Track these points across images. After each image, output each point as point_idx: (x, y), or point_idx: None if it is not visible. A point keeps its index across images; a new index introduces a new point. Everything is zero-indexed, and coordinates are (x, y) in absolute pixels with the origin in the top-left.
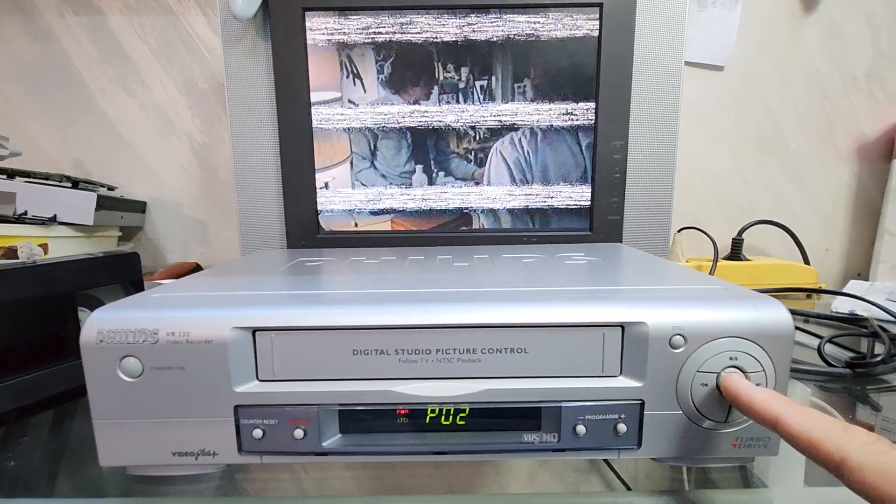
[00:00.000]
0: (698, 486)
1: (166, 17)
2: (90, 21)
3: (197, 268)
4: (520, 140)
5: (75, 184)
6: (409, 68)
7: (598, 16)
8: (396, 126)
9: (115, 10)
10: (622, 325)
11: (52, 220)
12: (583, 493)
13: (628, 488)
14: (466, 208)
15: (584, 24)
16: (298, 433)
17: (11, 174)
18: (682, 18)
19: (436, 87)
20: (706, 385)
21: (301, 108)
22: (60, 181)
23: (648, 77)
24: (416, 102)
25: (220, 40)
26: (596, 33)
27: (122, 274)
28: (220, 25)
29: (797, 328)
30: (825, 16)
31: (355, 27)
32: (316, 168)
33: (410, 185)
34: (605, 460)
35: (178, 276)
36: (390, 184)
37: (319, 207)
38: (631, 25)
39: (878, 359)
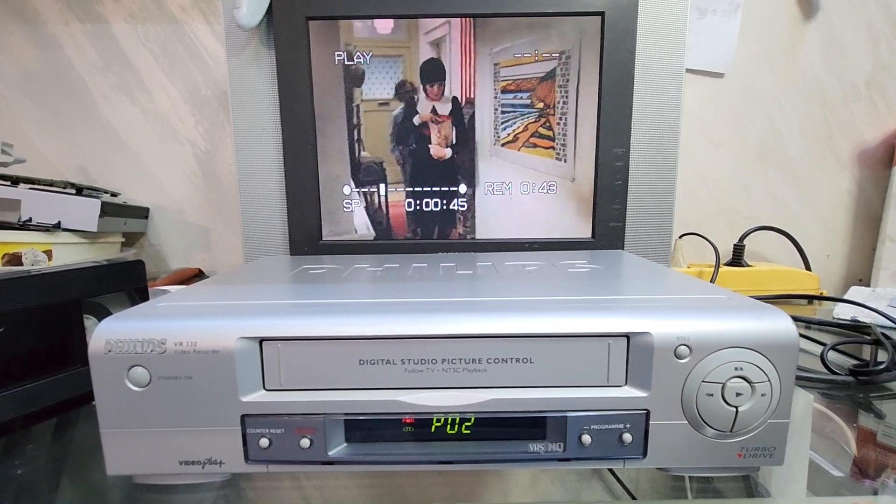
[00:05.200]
0: (701, 494)
1: (170, 25)
2: (94, 29)
3: (199, 273)
4: None
5: (79, 190)
6: None
7: (599, 27)
8: None
9: (119, 18)
10: (627, 336)
11: (57, 227)
12: (585, 501)
13: (632, 497)
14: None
15: None
16: (305, 442)
17: (16, 181)
18: (683, 26)
19: None
20: (711, 395)
21: (304, 116)
22: (65, 188)
23: (650, 84)
24: None
25: (224, 49)
26: None
27: (128, 282)
28: (224, 34)
29: (799, 335)
30: (825, 24)
31: None
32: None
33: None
34: (609, 469)
35: (180, 282)
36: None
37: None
38: (632, 33)
39: (882, 366)
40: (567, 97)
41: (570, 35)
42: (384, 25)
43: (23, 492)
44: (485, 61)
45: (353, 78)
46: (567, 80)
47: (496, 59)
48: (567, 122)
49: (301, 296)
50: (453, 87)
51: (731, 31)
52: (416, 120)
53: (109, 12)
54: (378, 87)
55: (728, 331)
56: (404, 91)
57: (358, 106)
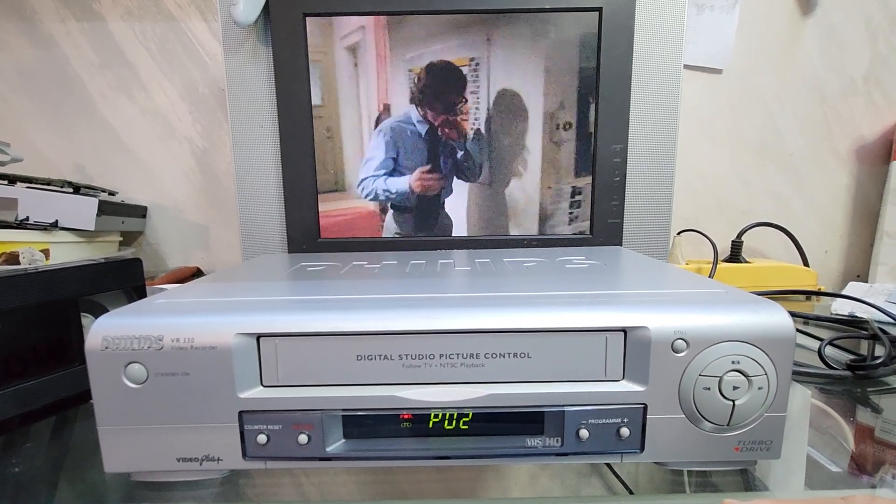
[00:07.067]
0: (699, 489)
1: (167, 23)
2: (91, 27)
3: (198, 272)
4: None
5: (77, 189)
6: None
7: (597, 21)
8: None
9: (116, 16)
10: (625, 330)
11: (54, 226)
12: (584, 497)
13: (630, 492)
14: None
15: None
16: (302, 438)
17: (13, 180)
18: (681, 21)
19: None
20: (708, 389)
21: (302, 114)
22: (62, 187)
23: (648, 80)
24: None
25: (222, 46)
26: None
27: (125, 280)
28: (221, 31)
29: (797, 330)
30: (823, 19)
31: None
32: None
33: None
34: (607, 464)
35: (178, 281)
36: None
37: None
38: (630, 29)
39: (879, 361)
40: (479, 103)
41: (480, 41)
42: None
43: (21, 490)
44: (398, 67)
45: None
46: (478, 87)
47: (410, 65)
48: (481, 126)
49: (299, 292)
50: (370, 93)
51: (730, 26)
52: None
53: (106, 10)
54: None
55: (725, 325)
56: None
57: None
